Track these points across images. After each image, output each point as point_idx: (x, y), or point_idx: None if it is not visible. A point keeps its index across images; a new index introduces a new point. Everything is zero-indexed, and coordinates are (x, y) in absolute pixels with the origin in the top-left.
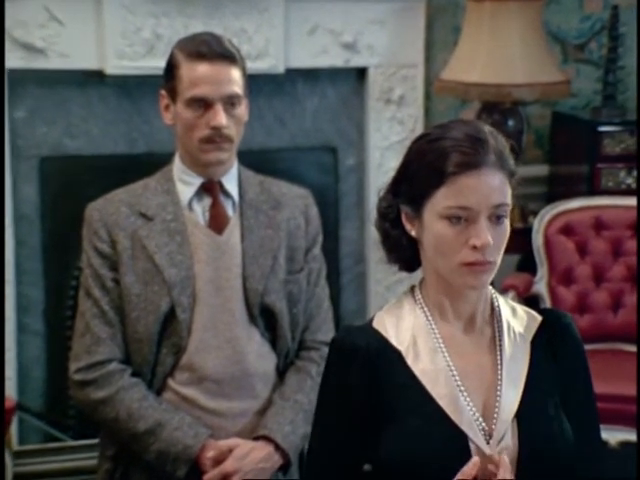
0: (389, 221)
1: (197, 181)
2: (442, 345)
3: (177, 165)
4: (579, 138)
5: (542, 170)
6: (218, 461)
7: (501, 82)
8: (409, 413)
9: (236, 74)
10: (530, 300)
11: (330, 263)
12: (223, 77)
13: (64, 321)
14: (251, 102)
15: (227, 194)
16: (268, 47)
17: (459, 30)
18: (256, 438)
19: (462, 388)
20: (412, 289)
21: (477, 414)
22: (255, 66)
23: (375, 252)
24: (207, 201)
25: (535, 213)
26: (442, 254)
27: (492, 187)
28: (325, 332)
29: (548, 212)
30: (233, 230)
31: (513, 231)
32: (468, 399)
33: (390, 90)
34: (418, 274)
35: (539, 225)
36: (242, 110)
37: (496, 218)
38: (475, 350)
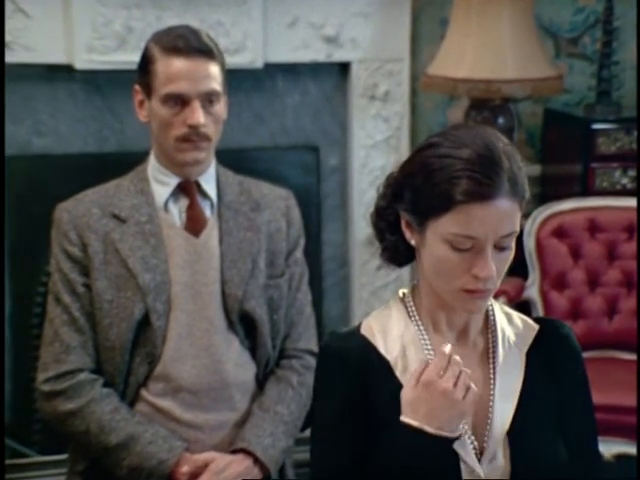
0: (386, 223)
1: (173, 181)
2: (433, 357)
3: (152, 164)
4: (572, 136)
5: (534, 170)
6: (194, 475)
7: (491, 78)
8: (397, 428)
9: (214, 70)
10: (521, 306)
11: (312, 267)
12: (201, 73)
13: (31, 329)
14: (229, 99)
15: (205, 195)
16: (246, 41)
17: (447, 23)
18: (234, 451)
19: None
20: (402, 296)
21: (468, 431)
22: (233, 61)
23: (359, 255)
24: (184, 202)
25: (526, 215)
26: (441, 276)
27: (502, 218)
28: (307, 340)
29: (540, 214)
30: (211, 232)
31: None
32: None
33: (374, 86)
34: (405, 279)
35: (531, 227)
36: (221, 108)
37: (502, 246)
38: (467, 362)
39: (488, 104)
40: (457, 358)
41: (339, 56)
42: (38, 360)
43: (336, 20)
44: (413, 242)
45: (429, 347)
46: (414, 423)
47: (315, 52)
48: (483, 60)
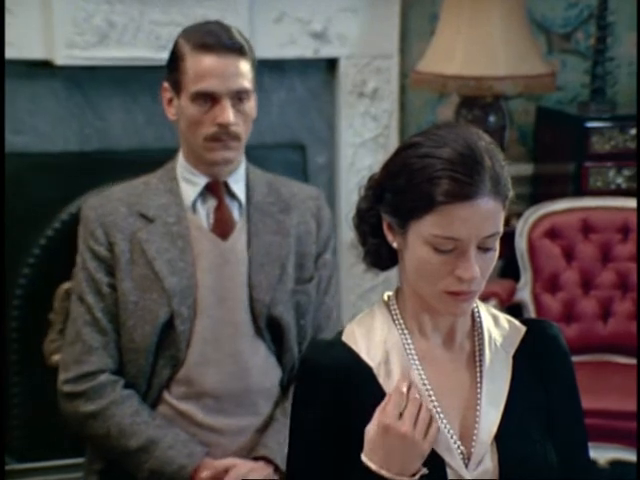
0: (369, 225)
1: (202, 181)
2: (417, 362)
3: (180, 163)
4: (565, 135)
5: (526, 169)
6: None
7: (482, 74)
8: None
9: (245, 67)
10: (513, 308)
11: None
12: (231, 70)
13: (9, 333)
14: None
15: (233, 196)
16: None
17: (437, 18)
18: (255, 458)
19: (438, 409)
20: (386, 299)
21: (454, 436)
22: None
23: (347, 258)
24: (212, 203)
25: (518, 215)
26: (424, 279)
27: (485, 218)
28: None
29: (532, 214)
30: (239, 236)
31: None
32: (445, 420)
33: (363, 83)
34: (393, 282)
35: (523, 228)
36: (251, 106)
37: (485, 246)
38: (453, 366)
39: (479, 102)
40: (416, 395)
41: (326, 52)
42: (15, 365)
43: (323, 15)
44: (395, 245)
45: (413, 352)
46: (372, 466)
47: (302, 48)
48: (474, 56)
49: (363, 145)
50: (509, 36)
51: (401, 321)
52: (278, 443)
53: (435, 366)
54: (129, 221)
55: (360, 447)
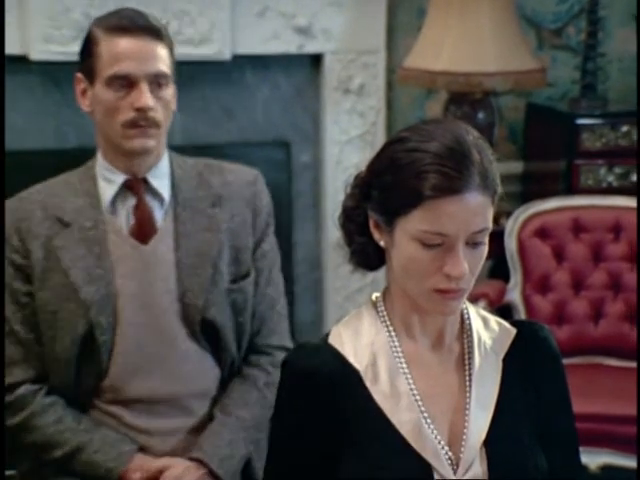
0: (355, 224)
1: (120, 179)
2: (404, 365)
3: (99, 161)
4: (556, 132)
5: (515, 167)
6: None
7: (470, 70)
8: (368, 441)
9: (163, 52)
10: (503, 310)
11: (283, 270)
12: (148, 53)
13: None
14: (195, 92)
15: (155, 193)
16: (213, 31)
17: (424, 13)
18: (191, 459)
19: (426, 414)
20: (374, 300)
21: (442, 442)
22: (199, 52)
23: (333, 257)
24: (131, 202)
25: (508, 214)
26: (412, 277)
27: (473, 213)
28: (279, 336)
29: (522, 213)
30: (163, 238)
31: None
32: (432, 425)
33: (349, 79)
34: (381, 282)
35: (512, 227)
36: (170, 93)
37: (474, 242)
38: (442, 369)
39: (468, 98)
40: None
41: (311, 47)
42: None
43: (308, 10)
44: (382, 243)
45: (400, 355)
46: None
47: (286, 43)
48: (462, 52)
49: (349, 143)
50: (498, 31)
51: (389, 323)
52: (214, 446)
53: (423, 369)
54: (45, 226)
55: (346, 452)
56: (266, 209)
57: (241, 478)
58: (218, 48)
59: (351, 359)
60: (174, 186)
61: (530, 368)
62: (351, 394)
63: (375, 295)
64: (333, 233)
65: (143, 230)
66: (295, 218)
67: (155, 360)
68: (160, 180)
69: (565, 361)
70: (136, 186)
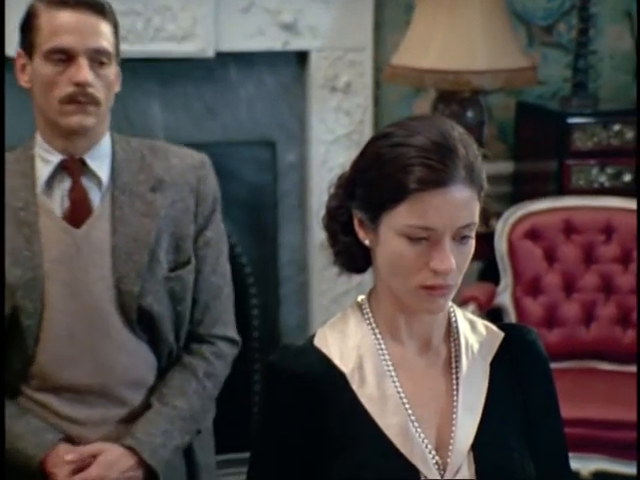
0: (339, 224)
1: (56, 158)
2: (391, 368)
3: (37, 140)
4: (546, 131)
5: (506, 167)
6: (79, 469)
7: (459, 68)
8: (355, 445)
9: (105, 28)
10: (493, 313)
11: (268, 272)
12: (90, 27)
13: None
14: (177, 90)
15: (93, 175)
16: (196, 27)
17: (412, 9)
18: (123, 445)
19: (413, 417)
20: (360, 302)
21: (429, 446)
22: (181, 49)
23: (319, 260)
24: (67, 184)
25: (498, 215)
26: (398, 274)
27: (459, 206)
28: (223, 325)
29: (512, 214)
30: (96, 223)
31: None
32: (419, 429)
33: (335, 77)
34: (368, 285)
35: (502, 229)
36: (112, 72)
37: (461, 238)
38: (429, 373)
39: (457, 96)
40: None
41: (297, 44)
42: None
43: (294, 6)
44: (367, 242)
45: (387, 358)
46: None
47: (271, 40)
48: (451, 49)
49: (336, 142)
50: (488, 28)
51: (374, 325)
52: (148, 434)
53: (410, 372)
54: None
55: (332, 456)
56: (212, 195)
57: (185, 466)
58: (201, 45)
59: (337, 362)
60: (114, 169)
61: (518, 372)
62: (337, 397)
63: (361, 297)
64: (319, 235)
65: (77, 213)
66: (280, 219)
67: (86, 349)
68: (99, 161)
69: (556, 365)
70: (72, 167)
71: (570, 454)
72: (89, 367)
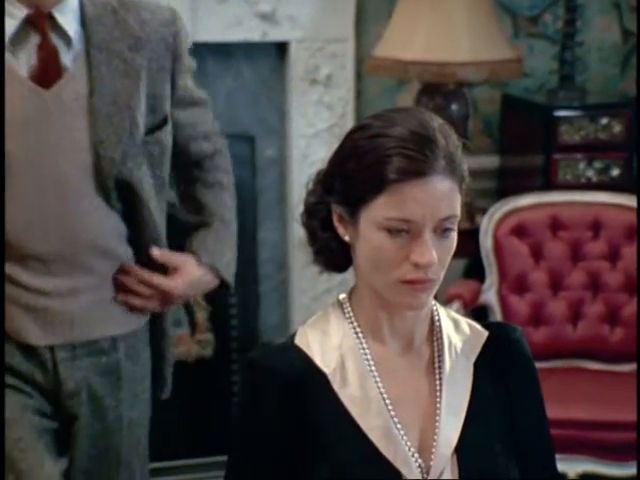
0: (318, 220)
1: (22, 13)
2: (373, 369)
3: None
4: (533, 124)
5: (491, 162)
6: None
7: (444, 60)
8: (336, 448)
9: None
10: (478, 311)
11: (247, 270)
12: None
13: None
14: None
15: (62, 32)
16: None
17: None
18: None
19: (396, 419)
20: (341, 300)
21: (412, 449)
22: None
23: (299, 257)
24: (34, 41)
25: (483, 211)
26: (378, 268)
27: (440, 198)
28: (215, 139)
29: (498, 210)
30: (72, 83)
31: (459, 232)
32: (402, 431)
33: (316, 69)
34: (350, 283)
35: (488, 225)
36: None
37: (442, 231)
38: (412, 374)
39: (441, 89)
40: None
41: (276, 35)
42: None
43: None
44: (347, 238)
45: (369, 357)
46: None
47: (249, 30)
48: (435, 41)
49: (316, 136)
50: (473, 19)
51: (356, 324)
52: (220, 253)
53: (392, 373)
54: None
55: (313, 456)
56: (186, 51)
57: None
58: None
59: (318, 362)
60: (85, 25)
61: (502, 372)
62: (318, 397)
63: (342, 295)
64: (299, 232)
65: (46, 73)
66: (260, 216)
67: (54, 216)
68: (67, 16)
69: (543, 364)
70: (40, 21)
71: (557, 456)
72: (56, 235)
